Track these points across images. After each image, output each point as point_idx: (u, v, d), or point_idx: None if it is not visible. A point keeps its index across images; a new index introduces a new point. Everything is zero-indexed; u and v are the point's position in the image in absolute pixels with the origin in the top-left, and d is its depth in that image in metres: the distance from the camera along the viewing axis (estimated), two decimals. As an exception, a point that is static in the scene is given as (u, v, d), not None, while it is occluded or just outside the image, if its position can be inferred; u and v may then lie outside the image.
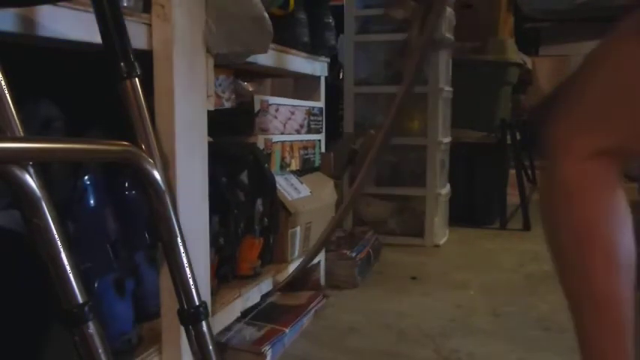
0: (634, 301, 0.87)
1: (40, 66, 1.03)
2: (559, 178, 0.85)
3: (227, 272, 1.36)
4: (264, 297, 1.48)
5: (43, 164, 0.61)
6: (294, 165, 1.72)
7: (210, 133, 1.13)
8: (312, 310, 1.67)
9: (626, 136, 0.83)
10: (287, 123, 1.67)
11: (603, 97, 0.84)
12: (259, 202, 1.42)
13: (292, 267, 1.61)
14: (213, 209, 1.17)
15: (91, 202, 0.97)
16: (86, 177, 0.96)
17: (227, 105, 1.45)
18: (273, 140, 1.59)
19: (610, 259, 0.85)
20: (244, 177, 1.39)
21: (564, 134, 0.85)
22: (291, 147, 1.69)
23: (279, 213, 1.52)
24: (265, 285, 1.45)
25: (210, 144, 1.14)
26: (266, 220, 1.45)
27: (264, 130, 1.57)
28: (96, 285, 0.96)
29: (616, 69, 0.83)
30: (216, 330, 1.24)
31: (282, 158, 1.64)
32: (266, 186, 1.46)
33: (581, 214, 0.85)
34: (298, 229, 1.60)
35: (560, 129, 0.86)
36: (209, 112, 1.12)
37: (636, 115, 0.82)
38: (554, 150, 0.86)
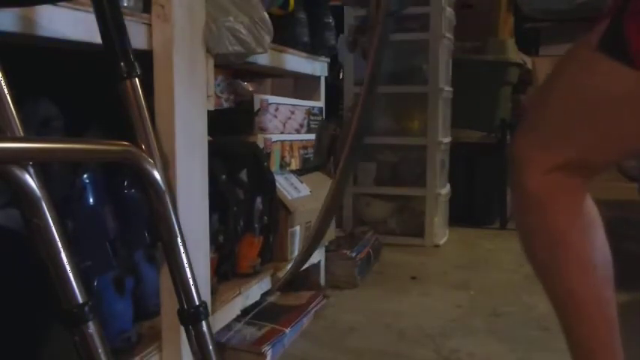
0: (615, 299, 0.88)
1: (40, 66, 1.03)
2: (526, 190, 0.88)
3: (227, 270, 1.36)
4: (263, 295, 1.48)
5: (43, 164, 0.61)
6: (294, 164, 1.71)
7: (209, 133, 1.13)
8: (313, 311, 1.67)
9: (584, 150, 0.85)
10: (287, 122, 1.67)
11: (559, 112, 0.86)
12: (259, 200, 1.42)
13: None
14: (212, 207, 1.17)
15: (90, 200, 0.97)
16: (85, 175, 0.96)
17: (226, 105, 1.45)
18: (273, 140, 1.59)
19: (584, 261, 0.87)
20: (244, 175, 1.39)
21: (526, 150, 0.87)
22: (291, 146, 1.69)
23: (278, 211, 1.52)
24: (265, 283, 1.45)
25: (209, 143, 1.14)
26: (266, 218, 1.45)
27: (264, 130, 1.57)
28: (95, 283, 0.96)
29: (570, 83, 0.85)
30: (216, 328, 1.24)
31: (282, 157, 1.64)
32: (265, 184, 1.46)
33: (551, 222, 0.88)
34: (298, 228, 1.60)
35: (523, 145, 0.88)
36: (209, 111, 1.12)
37: (591, 129, 0.83)
38: (519, 165, 0.88)
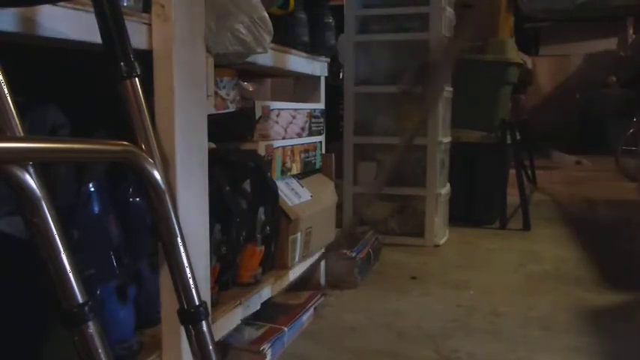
0: None
1: (41, 67, 1.03)
2: None
3: (228, 280, 1.35)
4: (264, 304, 1.48)
5: (44, 165, 0.61)
6: (295, 169, 1.69)
7: (210, 139, 1.13)
8: (311, 308, 1.67)
9: None
10: (288, 127, 1.66)
11: None
12: (261, 210, 1.41)
13: (292, 273, 1.60)
14: (215, 217, 1.16)
15: (95, 209, 0.97)
16: (90, 184, 0.96)
17: (232, 107, 1.44)
18: (274, 146, 1.57)
19: None
20: (247, 185, 1.38)
21: None
22: (292, 151, 1.67)
23: (280, 221, 1.51)
24: (265, 292, 1.44)
25: (213, 151, 1.13)
26: (268, 228, 1.45)
27: (265, 137, 1.54)
28: (98, 292, 0.96)
29: None
30: (216, 338, 1.23)
31: (283, 163, 1.62)
32: (269, 195, 1.45)
33: None
34: (299, 235, 1.59)
35: None
36: (210, 117, 1.12)
37: None
38: None
